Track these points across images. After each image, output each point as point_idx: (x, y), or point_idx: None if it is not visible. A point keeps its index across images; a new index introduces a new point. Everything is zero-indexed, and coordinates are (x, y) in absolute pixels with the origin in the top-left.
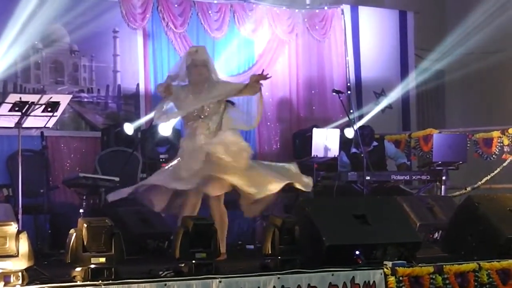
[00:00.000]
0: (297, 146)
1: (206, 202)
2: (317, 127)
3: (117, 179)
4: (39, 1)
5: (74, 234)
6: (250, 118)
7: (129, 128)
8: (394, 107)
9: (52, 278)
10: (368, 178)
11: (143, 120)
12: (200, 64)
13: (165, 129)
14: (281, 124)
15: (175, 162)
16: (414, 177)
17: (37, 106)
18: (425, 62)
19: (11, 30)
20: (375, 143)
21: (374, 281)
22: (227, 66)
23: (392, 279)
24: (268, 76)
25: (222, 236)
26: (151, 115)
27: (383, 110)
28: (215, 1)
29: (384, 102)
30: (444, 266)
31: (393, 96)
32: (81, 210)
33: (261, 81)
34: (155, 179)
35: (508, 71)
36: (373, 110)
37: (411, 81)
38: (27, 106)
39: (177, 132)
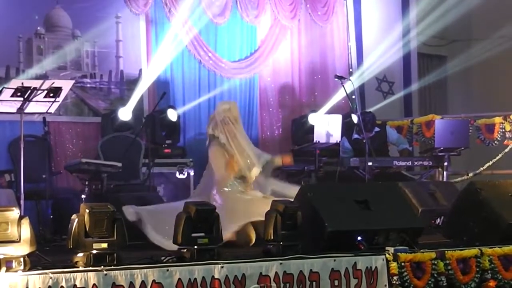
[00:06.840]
0: (294, 132)
1: None
2: (315, 112)
3: (119, 164)
4: None
5: (76, 220)
6: None
7: (123, 114)
8: (396, 93)
9: (54, 263)
10: (370, 164)
11: (133, 103)
12: (233, 121)
13: (171, 115)
14: (283, 110)
15: None
16: (416, 163)
17: (39, 92)
18: (428, 48)
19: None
20: (377, 129)
21: (376, 267)
22: (229, 52)
23: (394, 264)
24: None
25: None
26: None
27: (385, 96)
28: None
29: (386, 88)
30: (446, 252)
31: (395, 82)
32: (83, 196)
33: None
34: None
35: (511, 57)
36: (375, 96)
37: (413, 67)
38: (29, 91)
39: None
